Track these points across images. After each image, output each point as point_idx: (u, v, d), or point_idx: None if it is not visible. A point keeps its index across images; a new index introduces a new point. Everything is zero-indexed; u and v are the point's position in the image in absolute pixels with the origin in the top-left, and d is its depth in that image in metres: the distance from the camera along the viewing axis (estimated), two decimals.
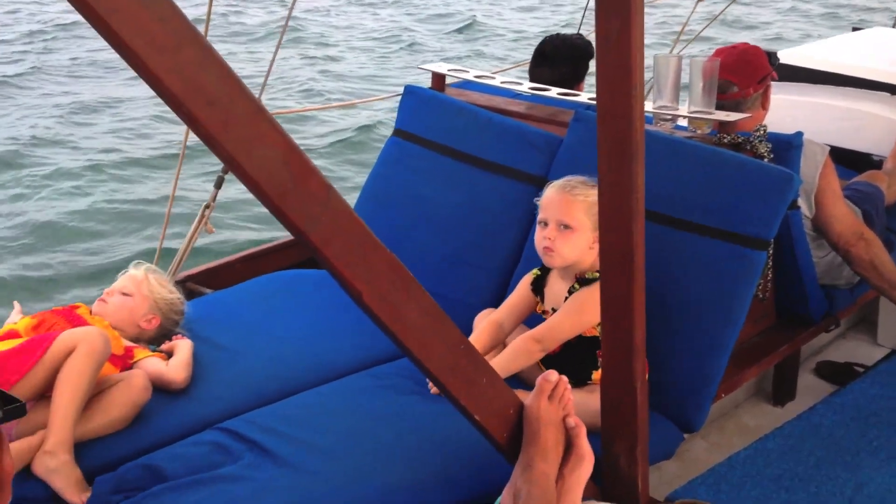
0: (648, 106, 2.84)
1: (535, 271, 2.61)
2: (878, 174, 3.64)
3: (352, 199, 3.10)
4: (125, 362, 2.49)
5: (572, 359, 2.46)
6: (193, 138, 1.65)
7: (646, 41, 1.85)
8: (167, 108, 1.26)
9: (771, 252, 2.81)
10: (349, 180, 7.23)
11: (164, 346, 2.65)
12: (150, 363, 2.51)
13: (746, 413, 3.15)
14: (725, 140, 2.81)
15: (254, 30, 12.75)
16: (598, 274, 2.09)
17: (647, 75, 2.66)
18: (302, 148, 1.37)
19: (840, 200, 3.08)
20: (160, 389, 2.47)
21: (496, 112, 3.18)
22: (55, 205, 6.80)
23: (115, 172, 7.39)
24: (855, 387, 3.06)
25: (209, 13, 3.19)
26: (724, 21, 12.37)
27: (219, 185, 3.56)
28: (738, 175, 2.59)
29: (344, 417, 2.41)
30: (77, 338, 2.30)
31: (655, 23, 12.17)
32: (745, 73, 3.07)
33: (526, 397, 1.95)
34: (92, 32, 1.19)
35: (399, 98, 3.40)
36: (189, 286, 3.26)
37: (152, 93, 1.22)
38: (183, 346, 2.62)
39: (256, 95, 1.51)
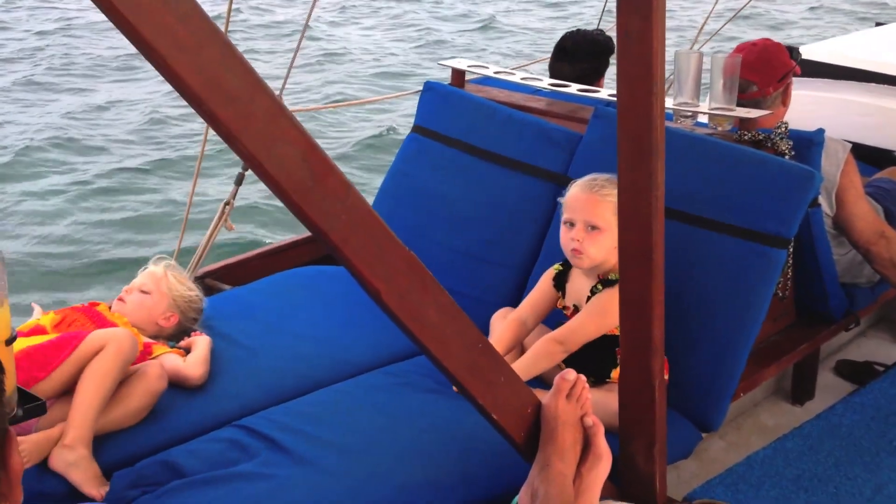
0: (669, 102, 2.83)
1: (557, 266, 2.60)
2: None
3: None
4: (143, 358, 2.50)
5: (592, 357, 2.45)
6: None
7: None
8: None
9: (791, 250, 2.80)
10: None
11: (183, 343, 2.66)
12: (169, 359, 2.52)
13: (765, 412, 3.13)
14: (746, 137, 2.79)
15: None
16: None
17: (668, 70, 2.64)
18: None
19: (862, 198, 3.05)
20: (178, 385, 2.48)
21: (516, 108, 3.16)
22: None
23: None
24: (875, 386, 3.04)
25: (229, 11, 3.19)
26: (757, 22, 12.31)
27: (239, 182, 3.56)
28: (759, 172, 2.58)
29: (362, 415, 2.41)
30: (107, 338, 2.31)
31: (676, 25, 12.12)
32: (765, 71, 3.05)
33: (544, 396, 1.94)
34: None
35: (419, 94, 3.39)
36: (207, 282, 3.27)
37: None
38: (201, 343, 2.63)
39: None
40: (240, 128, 1.27)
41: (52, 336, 2.39)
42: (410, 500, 2.15)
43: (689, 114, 2.92)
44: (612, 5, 1.83)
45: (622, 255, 1.95)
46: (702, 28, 5.51)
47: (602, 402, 2.21)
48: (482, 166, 3.09)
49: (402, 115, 8.70)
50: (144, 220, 6.66)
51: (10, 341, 1.40)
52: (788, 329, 3.06)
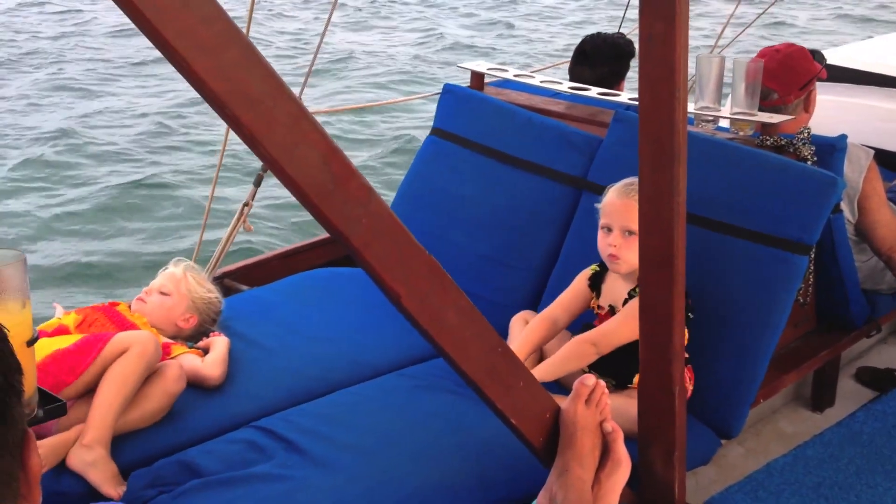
0: (690, 107, 2.81)
1: (594, 267, 2.58)
2: None
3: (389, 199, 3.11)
4: (162, 358, 2.50)
5: (616, 362, 2.44)
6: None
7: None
8: None
9: (812, 256, 2.78)
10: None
11: (201, 343, 2.66)
12: (187, 359, 2.52)
13: (784, 419, 3.10)
14: (768, 142, 2.77)
15: None
16: None
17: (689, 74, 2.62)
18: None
19: (884, 205, 3.03)
20: (196, 386, 2.48)
21: (535, 111, 3.16)
22: None
23: None
24: None
25: (251, 13, 3.19)
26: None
27: (258, 183, 3.57)
28: (781, 178, 2.56)
29: (379, 417, 2.41)
30: (131, 340, 2.32)
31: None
32: (786, 79, 3.02)
33: (563, 401, 1.93)
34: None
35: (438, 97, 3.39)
36: (226, 283, 3.27)
37: None
38: (219, 343, 2.63)
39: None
40: (261, 131, 1.26)
41: (76, 337, 2.39)
42: (427, 502, 2.14)
43: (711, 118, 2.91)
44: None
45: (643, 261, 1.94)
46: (721, 32, 5.49)
47: (622, 407, 2.19)
48: (501, 169, 3.08)
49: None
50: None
51: (31, 342, 1.40)
52: (809, 335, 3.04)
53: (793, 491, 2.52)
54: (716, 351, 2.52)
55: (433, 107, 3.43)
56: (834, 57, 4.36)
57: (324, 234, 3.59)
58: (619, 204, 2.45)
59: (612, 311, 2.51)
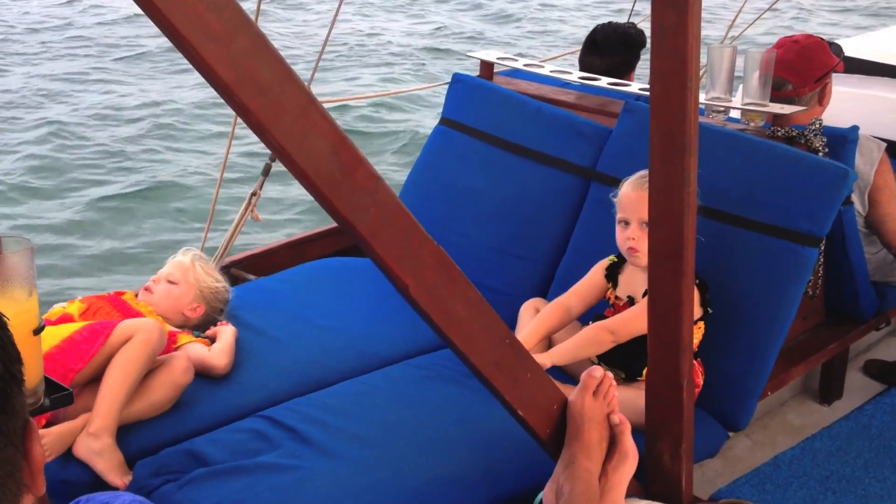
0: (701, 97, 2.79)
1: (612, 258, 2.57)
2: None
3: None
4: (169, 347, 2.50)
5: (627, 354, 2.43)
6: None
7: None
8: None
9: (822, 248, 2.76)
10: None
11: (208, 332, 2.66)
12: (193, 348, 2.52)
13: (792, 411, 3.09)
14: (779, 133, 2.75)
15: None
16: None
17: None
18: None
19: (895, 198, 3.01)
20: (202, 375, 2.48)
21: (545, 101, 3.14)
22: None
23: None
24: None
25: (259, 0, 3.18)
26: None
27: (266, 172, 3.56)
28: (792, 170, 2.54)
29: (387, 407, 2.40)
30: (136, 328, 2.32)
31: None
32: (803, 72, 2.99)
33: (570, 393, 1.92)
34: None
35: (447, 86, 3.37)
36: (233, 272, 3.27)
37: None
38: (226, 332, 2.63)
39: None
40: (270, 119, 1.26)
41: (79, 325, 2.39)
42: (434, 493, 2.14)
43: (722, 109, 2.89)
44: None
45: (653, 253, 1.93)
46: (733, 23, 5.46)
47: (630, 400, 2.19)
48: (510, 159, 3.07)
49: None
50: None
51: (38, 331, 1.40)
52: (817, 328, 3.02)
53: (800, 484, 2.52)
54: (724, 343, 2.50)
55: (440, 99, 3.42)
56: (845, 47, 4.33)
57: (332, 224, 3.58)
58: (634, 196, 2.43)
59: (631, 301, 2.49)
